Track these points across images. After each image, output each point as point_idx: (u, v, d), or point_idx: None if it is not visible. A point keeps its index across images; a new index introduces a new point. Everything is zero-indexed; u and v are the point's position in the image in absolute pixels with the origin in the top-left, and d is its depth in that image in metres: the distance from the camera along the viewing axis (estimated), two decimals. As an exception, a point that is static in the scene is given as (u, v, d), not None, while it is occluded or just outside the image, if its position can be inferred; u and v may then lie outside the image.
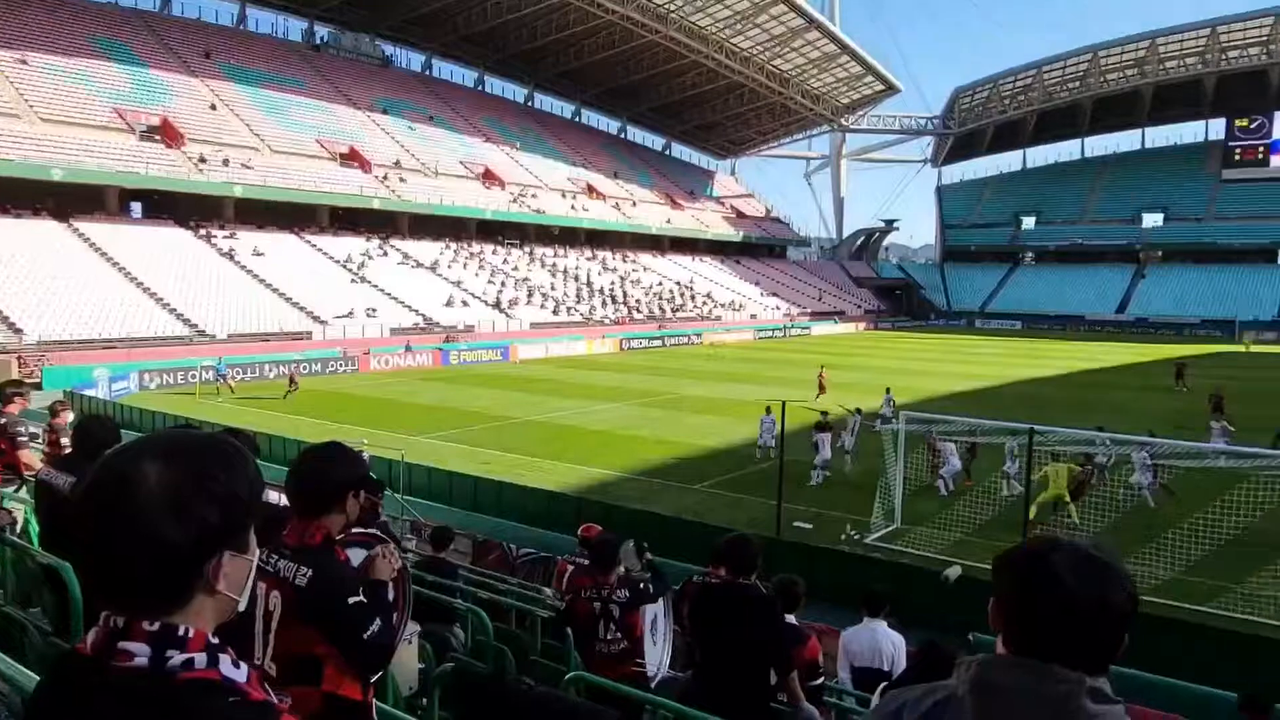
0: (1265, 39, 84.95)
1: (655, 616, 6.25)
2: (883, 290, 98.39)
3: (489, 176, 68.45)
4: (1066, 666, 1.47)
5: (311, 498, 2.74)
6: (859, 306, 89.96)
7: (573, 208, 73.29)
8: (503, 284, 58.24)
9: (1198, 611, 11.44)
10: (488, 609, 6.13)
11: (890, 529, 15.35)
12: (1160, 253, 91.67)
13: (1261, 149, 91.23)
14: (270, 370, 36.45)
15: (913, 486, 16.92)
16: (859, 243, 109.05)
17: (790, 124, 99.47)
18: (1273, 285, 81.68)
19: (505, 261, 63.35)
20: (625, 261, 74.72)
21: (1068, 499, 15.77)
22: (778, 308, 78.42)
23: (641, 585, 5.62)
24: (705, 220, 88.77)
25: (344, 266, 51.28)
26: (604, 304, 62.51)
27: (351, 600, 2.57)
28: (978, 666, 1.54)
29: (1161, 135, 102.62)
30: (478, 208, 64.16)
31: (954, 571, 9.51)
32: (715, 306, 71.48)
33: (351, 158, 59.19)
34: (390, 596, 2.85)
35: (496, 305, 54.37)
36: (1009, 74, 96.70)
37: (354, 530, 3.04)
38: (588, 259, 71.61)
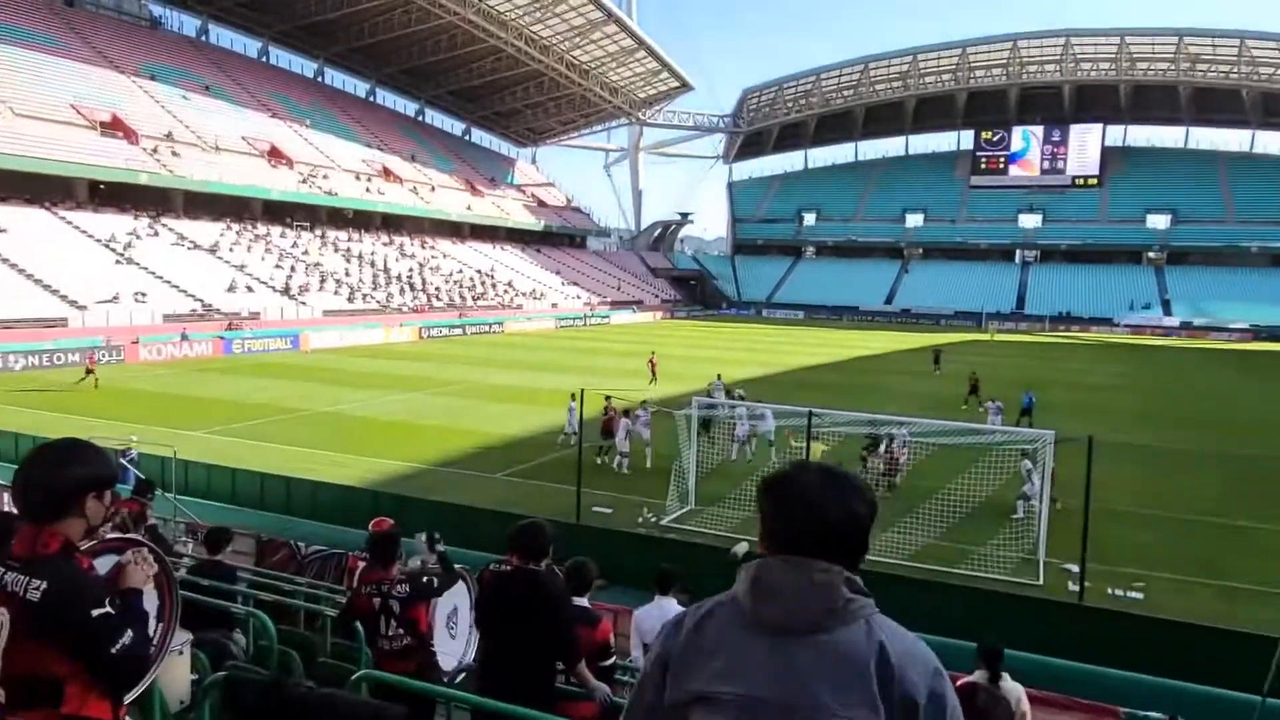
0: (1005, 62, 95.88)
1: (455, 608, 6.17)
2: (678, 280, 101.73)
3: (276, 154, 64.08)
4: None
5: (42, 501, 2.45)
6: (656, 296, 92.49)
7: (368, 190, 70.15)
8: (292, 269, 54.84)
9: (949, 572, 12.77)
10: (272, 611, 5.81)
11: (685, 510, 15.96)
12: (921, 250, 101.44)
13: (1002, 159, 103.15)
14: (15, 361, 32.48)
15: (704, 470, 17.68)
16: (656, 234, 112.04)
17: (590, 115, 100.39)
18: (1012, 280, 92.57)
19: (295, 245, 59.63)
20: (424, 248, 72.61)
21: None
22: (578, 297, 79.10)
23: (424, 579, 5.51)
24: (506, 208, 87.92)
25: (107, 247, 46.24)
26: (402, 291, 60.44)
27: (96, 612, 2.34)
28: (754, 567, 1.73)
29: (923, 143, 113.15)
30: (263, 187, 59.93)
31: (741, 548, 10.09)
32: (516, 295, 71.04)
33: (114, 127, 53.32)
34: (152, 605, 2.64)
35: (285, 291, 51.11)
36: (792, 79, 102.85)
37: (109, 536, 2.77)
38: (384, 244, 68.94)
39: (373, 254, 64.98)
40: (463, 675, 5.70)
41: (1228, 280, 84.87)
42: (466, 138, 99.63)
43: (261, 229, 59.39)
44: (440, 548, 6.24)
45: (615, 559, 11.86)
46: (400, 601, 5.29)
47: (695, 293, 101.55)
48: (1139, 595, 12.26)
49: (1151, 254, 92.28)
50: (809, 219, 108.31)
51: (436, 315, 58.31)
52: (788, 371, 39.78)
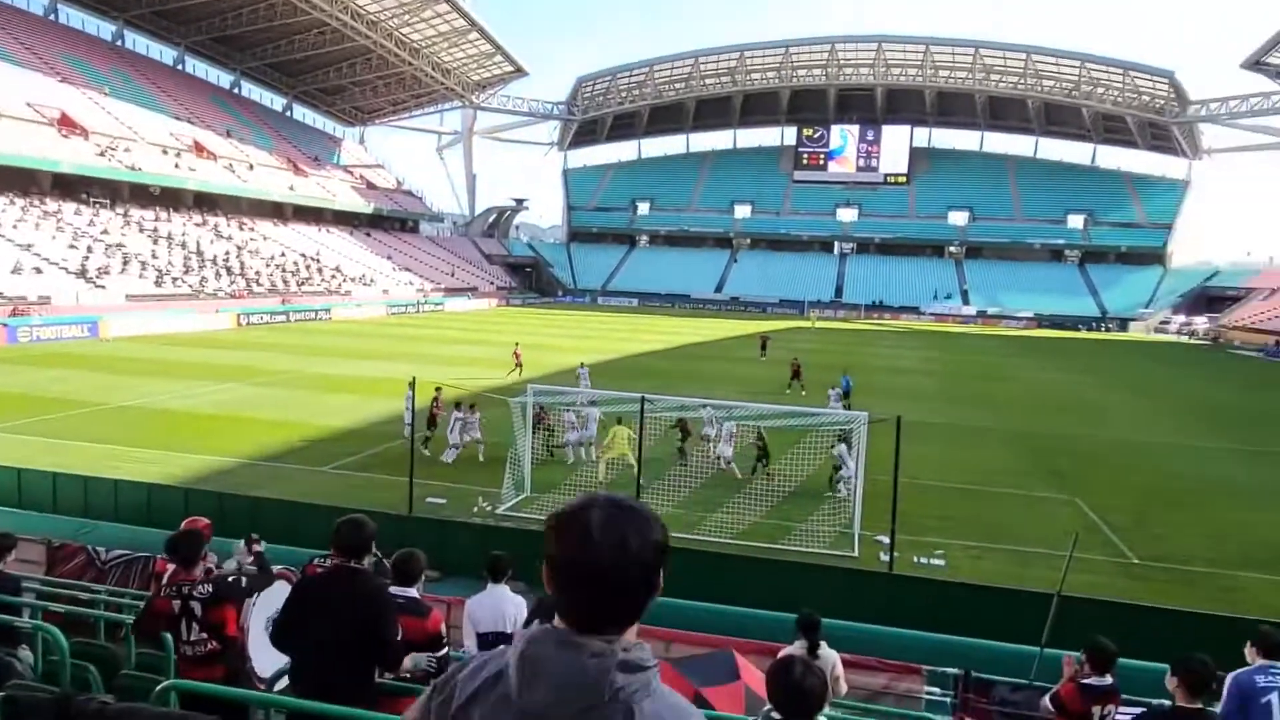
0: (824, 63, 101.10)
1: (277, 611, 5.90)
2: (514, 267, 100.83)
3: (68, 123, 58.02)
4: (602, 621, 1.57)
5: None
6: (491, 283, 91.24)
7: (177, 166, 64.90)
8: (89, 249, 50.02)
9: (773, 548, 13.45)
10: (64, 624, 5.36)
11: (520, 498, 15.93)
12: (749, 240, 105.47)
13: (822, 156, 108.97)
14: None
15: (539, 457, 17.73)
16: (491, 220, 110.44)
17: (421, 96, 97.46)
18: (831, 270, 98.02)
19: (92, 224, 54.35)
20: (243, 229, 68.17)
21: (632, 459, 17.52)
22: (411, 283, 76.81)
23: (231, 579, 5.25)
24: (333, 189, 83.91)
25: None
26: (218, 275, 56.54)
27: None
28: (525, 642, 1.59)
29: (750, 137, 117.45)
30: (53, 159, 54.22)
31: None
32: (345, 280, 68.10)
33: None
34: None
35: (82, 274, 46.61)
36: (626, 69, 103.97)
37: None
38: (197, 225, 64.16)
39: (184, 235, 60.38)
40: (284, 681, 5.48)
41: (1016, 273, 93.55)
42: (288, 114, 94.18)
43: (52, 205, 53.86)
44: (258, 548, 5.96)
45: (450, 550, 11.72)
46: (202, 603, 5.00)
47: (531, 280, 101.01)
48: (941, 562, 13.36)
49: (952, 248, 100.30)
50: (643, 208, 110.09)
51: (257, 301, 55.01)
52: (622, 358, 40.35)
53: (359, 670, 4.18)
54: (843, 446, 17.03)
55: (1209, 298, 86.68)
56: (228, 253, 61.24)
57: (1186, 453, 23.19)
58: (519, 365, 31.58)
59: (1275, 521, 16.61)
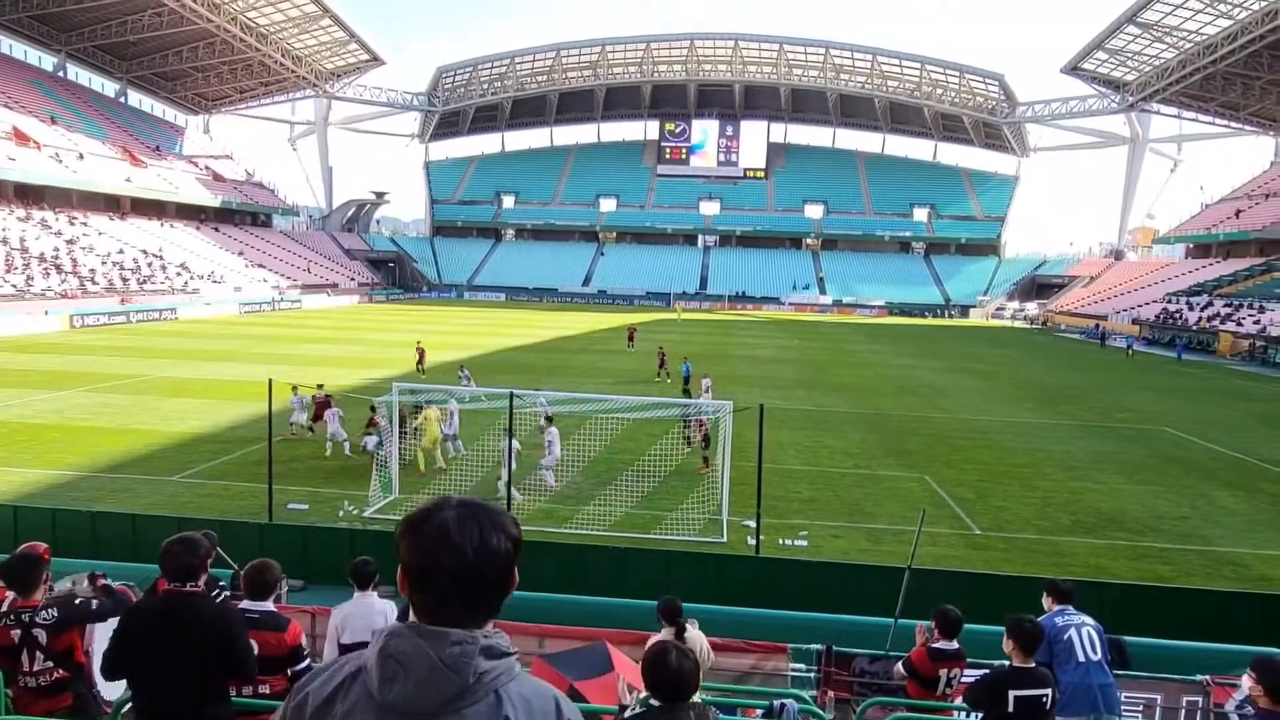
0: (684, 59, 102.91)
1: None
2: (376, 262, 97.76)
3: None
4: (462, 617, 1.59)
5: None
6: (352, 279, 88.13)
7: (-8, 155, 59.46)
8: (-116, 247, 45.22)
9: (645, 538, 13.71)
10: None
11: (389, 500, 15.58)
12: (614, 234, 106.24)
13: (684, 150, 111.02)
14: None
15: (406, 458, 17.38)
16: (350, 214, 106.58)
17: (271, 84, 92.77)
18: (695, 262, 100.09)
19: (-113, 219, 49.16)
20: (73, 224, 63.12)
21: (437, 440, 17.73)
22: (265, 280, 73.22)
23: (78, 601, 4.94)
24: (175, 181, 78.74)
25: None
26: (46, 274, 52.21)
27: None
28: (385, 638, 1.60)
29: (613, 131, 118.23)
30: None
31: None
32: (192, 278, 64.21)
33: None
34: None
35: (-125, 275, 42.07)
36: (487, 60, 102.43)
37: None
38: (20, 219, 58.94)
39: (4, 230, 55.39)
40: (128, 706, 5.19)
41: (868, 264, 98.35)
42: (122, 100, 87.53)
43: None
44: (104, 581, 5.63)
45: (314, 557, 11.36)
46: (47, 629, 4.68)
47: (394, 275, 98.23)
48: (804, 543, 13.99)
49: (809, 240, 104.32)
50: (508, 201, 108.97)
51: (92, 301, 51.21)
52: (489, 354, 39.94)
53: (209, 697, 3.93)
54: (552, 430, 16.58)
55: (1038, 285, 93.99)
56: (57, 249, 56.63)
57: (1020, 429, 25.09)
58: (421, 361, 31.40)
59: (1099, 490, 18.25)
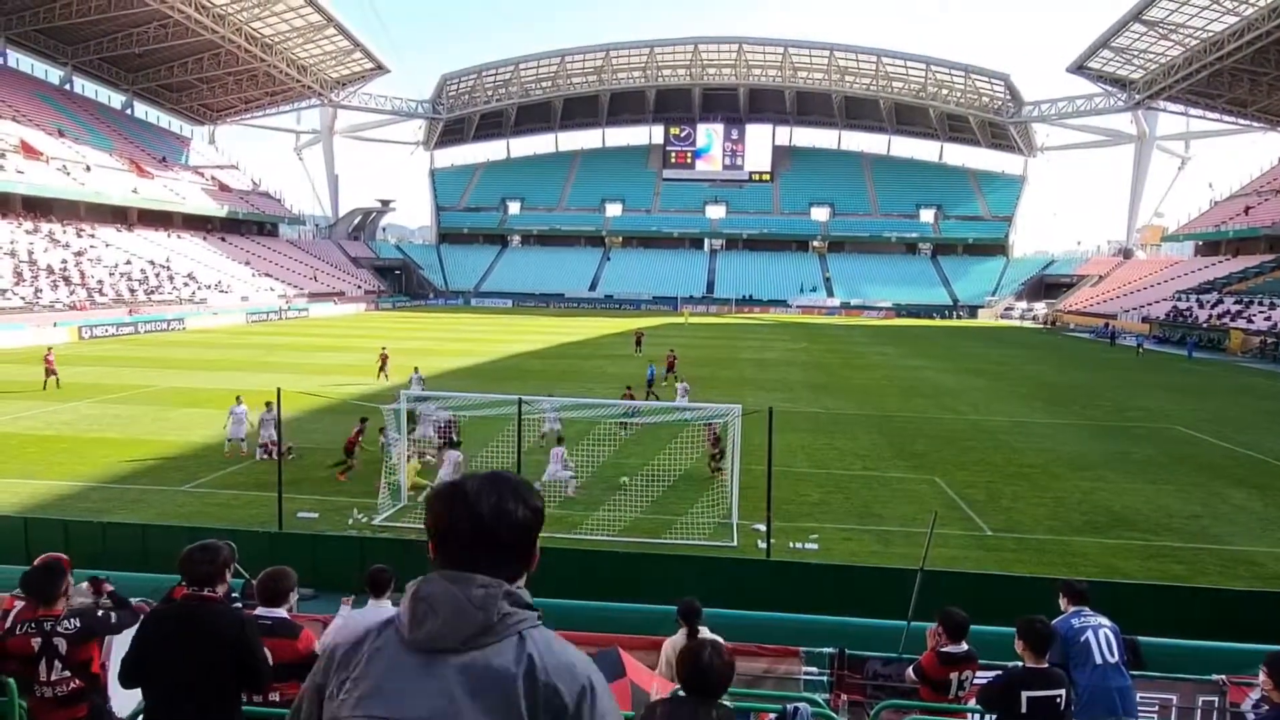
0: (688, 63, 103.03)
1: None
2: (382, 270, 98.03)
3: None
4: (484, 571, 1.70)
5: None
6: (359, 287, 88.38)
7: (2, 169, 59.70)
8: (-105, 261, 45.52)
9: (655, 543, 13.69)
10: None
11: (398, 507, 15.59)
12: (621, 238, 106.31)
13: (690, 154, 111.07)
14: None
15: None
16: (356, 222, 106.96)
17: (276, 94, 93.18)
18: (702, 266, 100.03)
19: (-103, 233, 49.48)
20: (81, 236, 63.45)
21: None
22: (271, 289, 73.48)
23: (100, 613, 4.96)
24: (182, 191, 79.13)
25: None
26: (55, 286, 52.48)
27: None
28: (417, 583, 1.72)
29: (618, 136, 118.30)
30: None
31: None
32: (199, 288, 64.49)
33: None
34: None
35: (-113, 289, 42.34)
36: (491, 66, 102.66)
37: None
38: (28, 232, 59.26)
39: (12, 243, 55.72)
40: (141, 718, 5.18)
41: (875, 265, 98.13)
42: (129, 112, 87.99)
43: None
44: (109, 588, 5.63)
45: (325, 565, 11.36)
46: (68, 639, 4.70)
47: (400, 282, 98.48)
48: (814, 546, 13.94)
49: (815, 242, 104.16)
50: (514, 207, 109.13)
51: (100, 313, 51.46)
52: (496, 360, 39.97)
53: (222, 704, 3.93)
54: (560, 451, 16.58)
55: (1046, 284, 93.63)
56: (65, 261, 56.96)
57: (1030, 429, 24.98)
58: (383, 366, 31.37)
59: (1110, 489, 18.14)
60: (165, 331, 52.96)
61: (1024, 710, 4.92)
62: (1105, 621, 5.98)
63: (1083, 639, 5.85)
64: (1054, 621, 5.84)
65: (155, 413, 24.91)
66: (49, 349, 30.55)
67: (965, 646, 6.12)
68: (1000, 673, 5.57)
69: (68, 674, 4.71)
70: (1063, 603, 6.20)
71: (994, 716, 5.32)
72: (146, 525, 12.83)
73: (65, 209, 65.21)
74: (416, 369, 27.50)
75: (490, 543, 1.71)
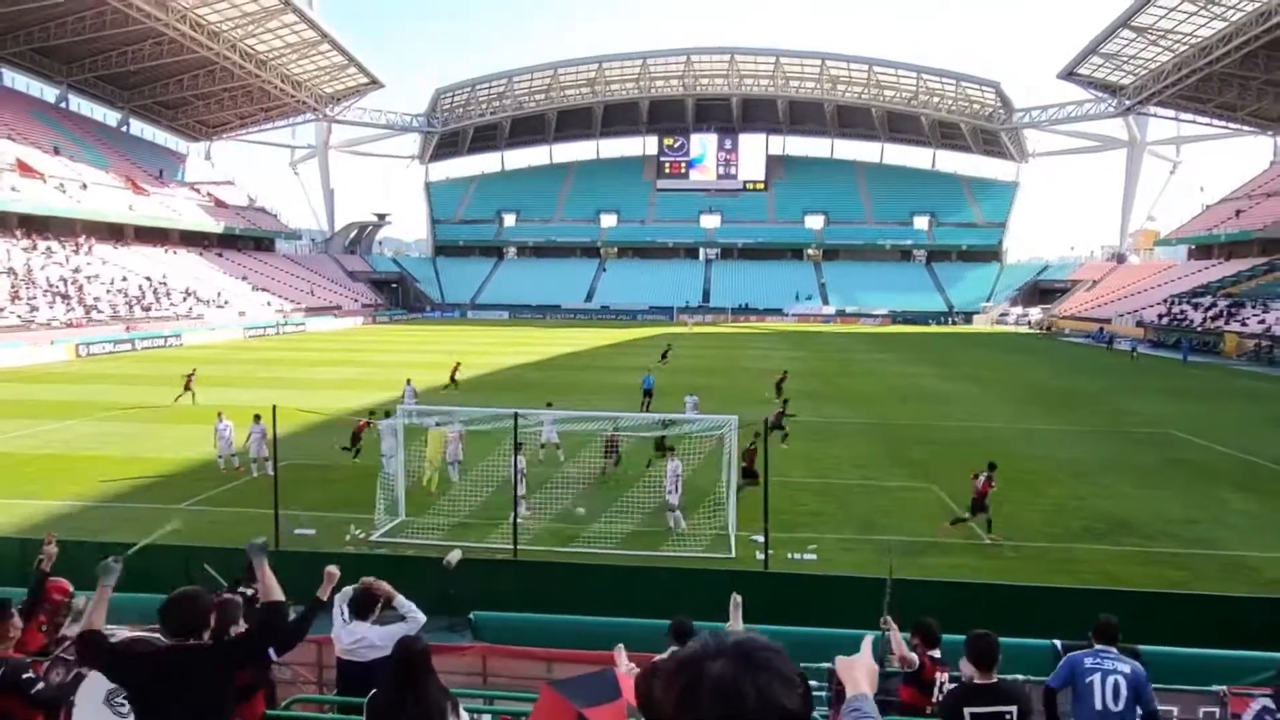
0: (681, 74, 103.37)
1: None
2: (379, 283, 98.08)
3: None
4: None
5: None
6: (356, 300, 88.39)
7: (-4, 187, 59.72)
8: (-109, 282, 45.46)
9: (653, 555, 13.66)
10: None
11: (395, 523, 15.55)
12: (616, 249, 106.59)
13: (684, 164, 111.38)
14: None
15: (410, 479, 17.30)
16: (352, 236, 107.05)
17: (271, 109, 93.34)
18: (698, 276, 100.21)
19: (-107, 253, 49.41)
20: (78, 253, 63.41)
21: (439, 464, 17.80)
22: (269, 304, 73.46)
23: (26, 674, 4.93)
24: (178, 208, 79.20)
25: None
26: (52, 303, 52.44)
27: None
28: None
29: (612, 147, 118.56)
30: None
31: (455, 556, 10.08)
32: (197, 304, 64.45)
33: None
34: None
35: (-118, 309, 42.28)
36: (485, 80, 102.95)
37: None
38: (25, 249, 59.21)
39: (9, 261, 55.68)
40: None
41: (870, 273, 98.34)
42: (124, 129, 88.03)
43: None
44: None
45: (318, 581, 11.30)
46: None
47: (397, 296, 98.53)
48: (813, 557, 13.91)
49: (810, 251, 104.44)
50: (509, 220, 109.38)
51: (97, 330, 51.40)
52: (495, 372, 39.95)
53: None
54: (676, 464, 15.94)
55: (1041, 290, 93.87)
56: (62, 279, 56.90)
57: (1027, 435, 25.01)
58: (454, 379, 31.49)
59: (1108, 495, 18.16)
60: (163, 348, 52.86)
61: (967, 727, 4.80)
62: (1125, 668, 5.62)
63: (1087, 680, 5.60)
64: (1072, 653, 5.81)
65: (152, 430, 24.87)
66: (193, 369, 31.40)
67: (938, 653, 6.37)
68: (955, 685, 5.61)
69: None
70: (1093, 637, 6.02)
71: None
72: (152, 545, 12.78)
73: (62, 226, 65.20)
74: (409, 380, 27.48)
75: None
